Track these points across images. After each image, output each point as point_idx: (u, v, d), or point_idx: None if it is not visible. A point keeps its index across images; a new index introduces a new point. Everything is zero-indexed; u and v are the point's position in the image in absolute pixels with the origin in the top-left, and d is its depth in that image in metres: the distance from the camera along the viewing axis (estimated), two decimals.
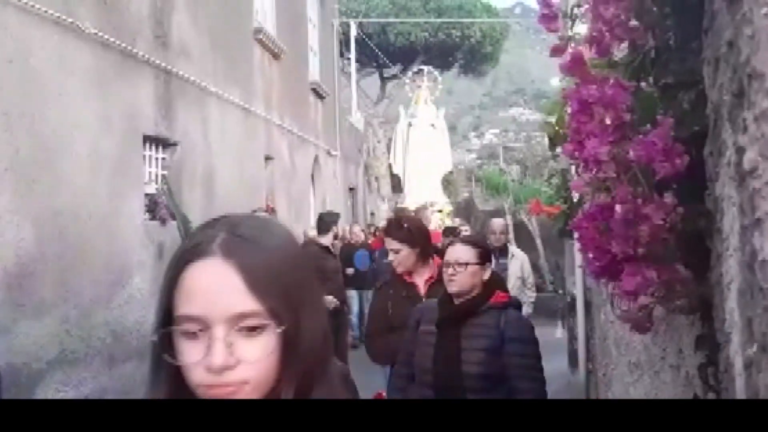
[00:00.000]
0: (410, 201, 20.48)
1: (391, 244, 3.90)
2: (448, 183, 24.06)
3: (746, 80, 0.79)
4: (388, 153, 24.22)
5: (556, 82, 6.96)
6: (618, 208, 1.14)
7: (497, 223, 7.33)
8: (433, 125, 23.77)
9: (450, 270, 3.08)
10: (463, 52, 30.97)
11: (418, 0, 30.38)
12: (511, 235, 10.89)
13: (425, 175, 22.56)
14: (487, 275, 3.12)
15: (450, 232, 9.33)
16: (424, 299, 3.72)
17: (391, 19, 27.66)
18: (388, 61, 28.12)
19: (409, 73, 26.30)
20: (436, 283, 3.62)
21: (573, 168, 3.95)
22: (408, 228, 3.90)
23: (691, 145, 1.15)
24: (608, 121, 1.18)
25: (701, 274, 1.20)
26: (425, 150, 23.03)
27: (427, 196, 20.20)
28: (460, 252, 3.11)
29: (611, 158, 1.15)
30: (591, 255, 1.28)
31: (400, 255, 3.84)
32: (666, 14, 1.31)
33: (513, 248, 7.29)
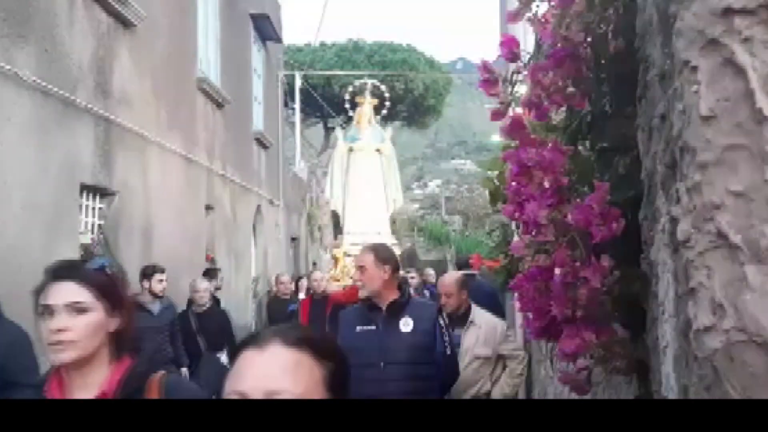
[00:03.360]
0: (349, 242, 17.31)
1: (74, 294, 1.92)
2: (393, 221, 19.81)
3: (678, 153, 0.82)
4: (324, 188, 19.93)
5: (497, 138, 6.87)
6: (557, 270, 1.16)
7: (443, 282, 5.04)
8: (378, 150, 19.19)
9: None
10: (406, 105, 31.47)
11: (362, 53, 30.94)
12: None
13: (370, 210, 18.23)
14: None
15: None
16: None
17: (336, 71, 28.01)
18: (332, 112, 28.36)
19: (349, 88, 21.57)
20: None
21: (513, 224, 4.01)
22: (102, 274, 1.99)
23: (627, 209, 1.18)
24: (547, 185, 1.21)
25: (638, 335, 1.22)
26: (370, 180, 18.66)
27: (371, 237, 16.68)
28: None
29: (550, 222, 1.17)
30: (531, 315, 1.30)
31: (79, 326, 1.88)
32: (602, 80, 1.36)
33: (477, 312, 4.86)
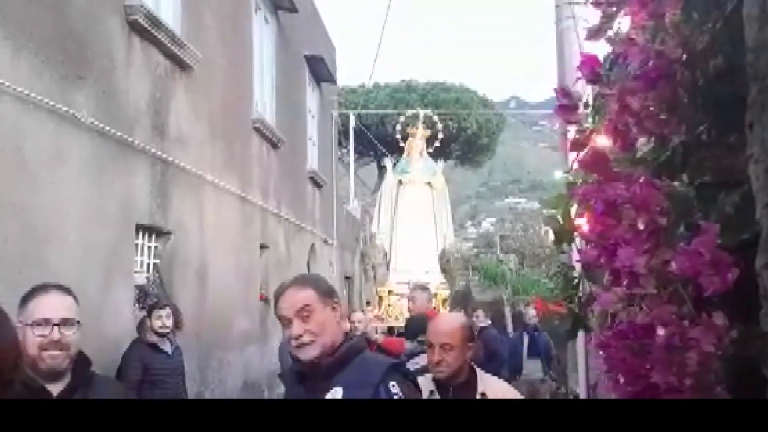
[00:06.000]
0: (395, 280, 16.31)
1: None
2: (447, 260, 18.41)
3: None
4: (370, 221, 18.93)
5: (558, 174, 6.57)
6: (660, 331, 0.97)
7: (437, 327, 3.12)
8: (429, 183, 18.07)
9: None
10: (459, 144, 31.38)
11: (416, 93, 31.08)
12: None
13: (418, 246, 17.08)
14: None
15: None
16: None
17: (389, 111, 28.12)
18: (385, 151, 28.43)
19: (401, 118, 20.39)
20: None
21: (578, 266, 3.76)
22: None
23: (738, 255, 0.99)
24: (641, 226, 1.03)
25: None
26: (419, 214, 17.52)
27: (418, 275, 15.12)
28: None
29: (649, 271, 0.98)
30: (621, 379, 1.10)
31: None
32: (698, 106, 1.18)
33: (486, 380, 3.12)
